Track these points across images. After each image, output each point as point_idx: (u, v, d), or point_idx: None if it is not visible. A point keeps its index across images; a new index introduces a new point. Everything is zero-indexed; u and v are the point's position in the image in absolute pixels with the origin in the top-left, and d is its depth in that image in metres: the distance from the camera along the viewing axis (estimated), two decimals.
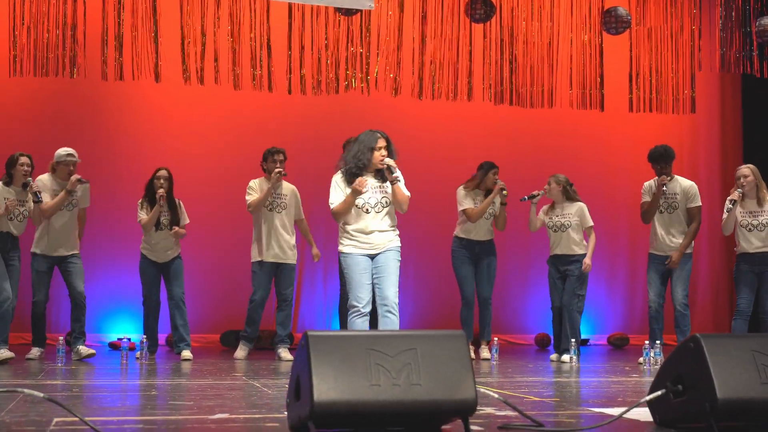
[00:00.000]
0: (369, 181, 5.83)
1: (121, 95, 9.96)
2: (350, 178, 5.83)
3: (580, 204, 8.30)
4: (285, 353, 7.91)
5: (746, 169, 7.65)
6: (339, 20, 9.73)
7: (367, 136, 5.86)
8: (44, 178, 7.69)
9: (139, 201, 8.17)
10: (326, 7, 9.42)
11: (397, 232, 5.94)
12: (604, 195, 10.79)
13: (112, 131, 10.03)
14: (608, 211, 10.80)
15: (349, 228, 5.87)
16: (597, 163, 11.10)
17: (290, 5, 9.57)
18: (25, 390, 3.44)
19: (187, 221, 8.26)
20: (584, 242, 8.35)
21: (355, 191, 5.75)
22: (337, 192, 5.88)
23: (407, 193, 5.86)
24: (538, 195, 8.38)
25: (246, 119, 10.28)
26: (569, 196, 8.31)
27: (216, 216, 9.95)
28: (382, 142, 5.83)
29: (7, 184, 7.42)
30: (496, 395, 3.65)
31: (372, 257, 5.84)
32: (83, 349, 7.62)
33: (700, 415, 3.67)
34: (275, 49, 9.73)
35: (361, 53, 9.86)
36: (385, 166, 5.81)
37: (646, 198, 7.98)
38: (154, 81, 9.45)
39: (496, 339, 8.19)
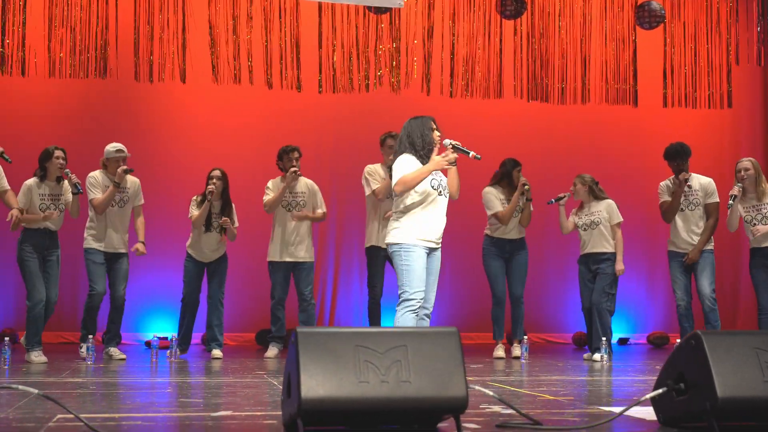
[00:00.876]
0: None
1: (155, 96, 10.03)
2: (421, 157, 5.44)
3: (609, 201, 8.22)
4: None
5: (747, 162, 7.52)
6: (369, 18, 9.73)
7: (420, 119, 5.53)
8: (96, 175, 7.70)
9: (194, 197, 8.14)
10: (356, 6, 9.42)
11: None
12: (642, 191, 10.62)
13: (146, 132, 10.08)
14: (647, 208, 10.63)
15: (414, 215, 5.44)
16: (635, 159, 10.94)
17: (320, 4, 9.59)
18: (20, 386, 3.48)
19: (237, 224, 8.22)
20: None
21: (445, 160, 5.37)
22: (407, 170, 5.40)
23: None
24: (565, 197, 8.32)
25: (278, 118, 10.29)
26: (596, 195, 8.23)
27: (253, 215, 9.98)
28: (434, 124, 5.55)
29: (42, 178, 7.40)
30: (490, 393, 3.61)
31: (428, 254, 5.46)
32: (115, 352, 7.68)
33: (701, 414, 3.60)
34: (305, 48, 9.77)
35: (391, 51, 9.86)
36: (450, 146, 5.45)
37: (665, 198, 7.87)
38: (181, 82, 9.54)
39: (526, 337, 8.13)
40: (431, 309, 5.54)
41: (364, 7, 9.37)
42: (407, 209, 5.46)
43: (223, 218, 7.99)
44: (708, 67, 10.45)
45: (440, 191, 5.50)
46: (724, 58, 10.48)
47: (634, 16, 9.92)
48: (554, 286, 10.90)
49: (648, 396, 3.70)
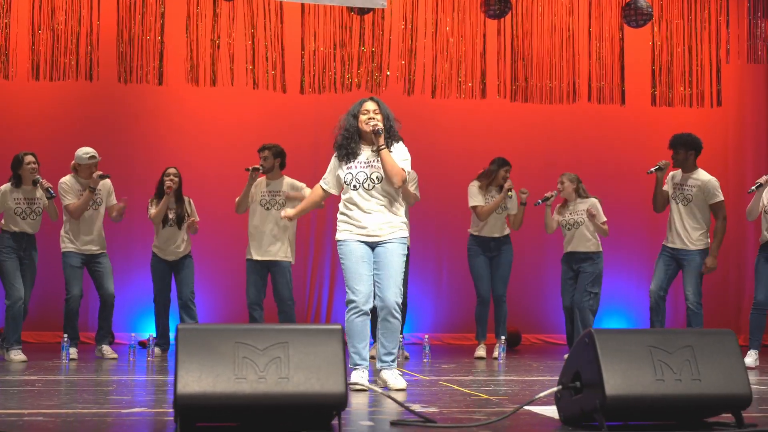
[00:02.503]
0: (361, 156, 5.34)
1: (139, 98, 10.03)
2: (340, 152, 5.36)
3: (593, 199, 8.16)
4: None
5: None
6: (352, 19, 9.74)
7: (353, 105, 5.40)
8: (67, 180, 7.76)
9: (150, 199, 8.25)
10: (339, 7, 9.42)
11: (404, 219, 5.44)
12: (632, 190, 10.48)
13: (133, 134, 10.08)
14: (640, 206, 10.50)
15: (341, 208, 5.39)
16: (624, 158, 10.76)
17: (302, 5, 9.61)
18: None
19: (197, 219, 8.30)
20: (597, 239, 8.18)
21: None
22: (329, 170, 5.48)
23: (402, 166, 5.27)
24: (552, 196, 8.29)
25: (268, 119, 10.28)
26: (580, 194, 8.20)
27: (243, 216, 10.01)
28: (369, 105, 5.33)
29: (16, 185, 7.51)
30: (379, 390, 3.60)
31: (372, 247, 5.30)
32: (107, 351, 7.73)
33: (593, 412, 3.58)
34: (288, 49, 9.79)
35: (373, 52, 9.85)
36: (374, 128, 5.21)
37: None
38: (160, 84, 9.63)
39: (503, 338, 8.10)
40: (392, 308, 5.18)
41: (346, 7, 9.37)
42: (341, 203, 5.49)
43: (191, 219, 8.14)
44: (698, 65, 10.30)
45: (355, 185, 5.31)
46: (714, 56, 10.33)
47: (621, 14, 9.82)
48: (552, 287, 10.80)
49: (540, 395, 3.68)
